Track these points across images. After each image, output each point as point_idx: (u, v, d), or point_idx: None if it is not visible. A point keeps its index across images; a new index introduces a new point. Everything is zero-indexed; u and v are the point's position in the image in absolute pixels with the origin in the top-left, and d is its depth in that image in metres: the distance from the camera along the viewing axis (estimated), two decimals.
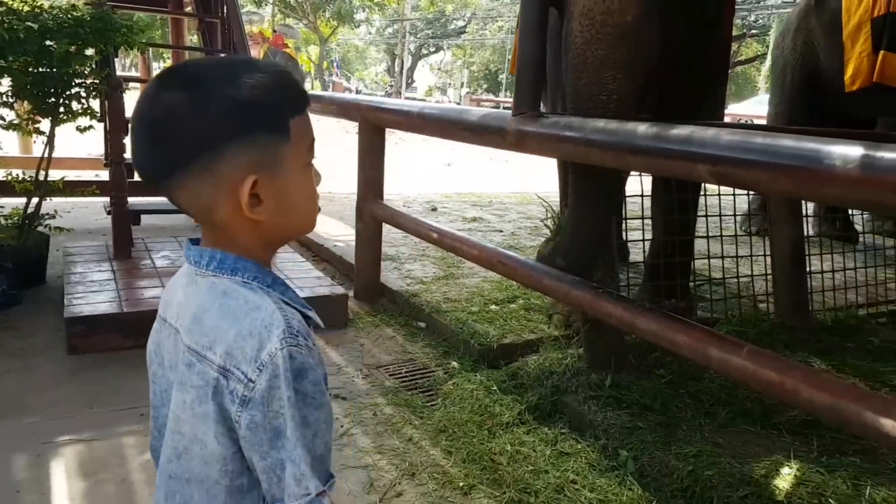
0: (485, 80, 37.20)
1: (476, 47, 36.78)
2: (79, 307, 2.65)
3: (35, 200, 3.24)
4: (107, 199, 3.56)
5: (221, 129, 0.68)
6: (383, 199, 3.36)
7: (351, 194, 3.46)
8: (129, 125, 0.72)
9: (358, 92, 31.26)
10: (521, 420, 2.20)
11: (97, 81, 3.25)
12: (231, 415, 0.68)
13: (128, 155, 3.21)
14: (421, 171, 8.49)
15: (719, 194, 2.86)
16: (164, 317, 0.79)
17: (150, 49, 7.03)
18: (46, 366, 2.47)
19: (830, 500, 1.76)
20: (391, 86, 34.23)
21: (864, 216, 4.91)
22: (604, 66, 1.93)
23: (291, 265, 3.42)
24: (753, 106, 18.12)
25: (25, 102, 3.21)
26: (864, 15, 3.52)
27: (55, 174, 3.42)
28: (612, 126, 1.76)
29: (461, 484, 1.88)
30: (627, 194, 2.69)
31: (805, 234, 2.90)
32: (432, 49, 42.90)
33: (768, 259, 2.95)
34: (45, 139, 3.21)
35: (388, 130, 3.31)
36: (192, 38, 7.07)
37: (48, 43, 2.98)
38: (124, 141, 3.28)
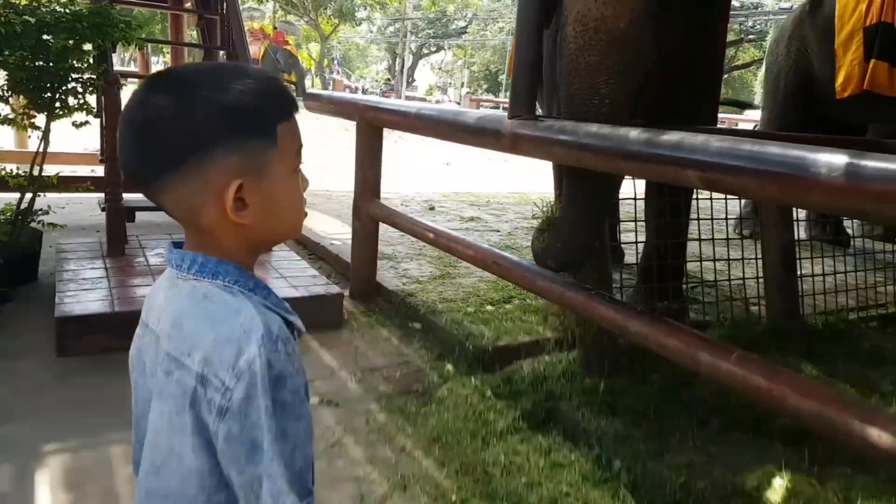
0: (485, 80, 37.19)
1: (477, 48, 36.77)
2: (70, 306, 2.61)
3: (28, 196, 3.23)
4: (101, 196, 3.55)
5: (209, 133, 0.68)
6: (380, 198, 3.36)
7: (349, 192, 3.46)
8: (118, 127, 0.72)
9: (364, 91, 31.26)
10: (516, 427, 2.19)
11: (94, 77, 3.25)
12: (209, 426, 0.66)
13: None
14: (420, 170, 8.49)
15: (711, 198, 2.87)
16: (146, 321, 0.78)
17: (149, 44, 7.01)
18: (34, 368, 2.42)
19: None
20: (387, 82, 34.18)
21: (856, 220, 4.94)
22: (597, 72, 1.94)
23: (287, 263, 3.42)
24: (751, 111, 18.13)
25: (21, 97, 3.20)
26: (857, 24, 3.56)
27: (50, 169, 3.42)
28: (605, 131, 1.77)
29: (453, 497, 1.85)
30: (622, 197, 2.69)
31: (797, 237, 2.91)
32: (433, 49, 42.86)
33: (760, 262, 2.96)
34: (39, 134, 3.21)
35: (387, 129, 3.31)
36: (191, 34, 7.06)
37: (45, 37, 2.98)
38: None
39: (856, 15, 3.60)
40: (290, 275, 3.23)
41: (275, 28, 22.69)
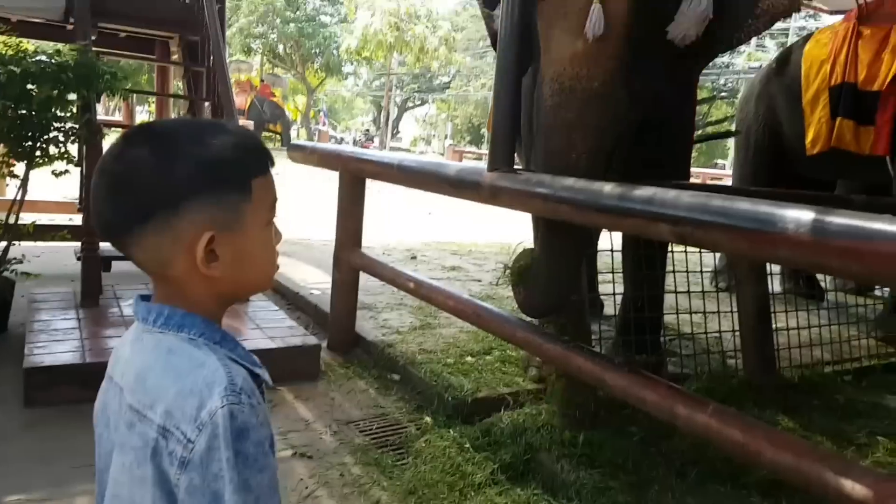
0: (468, 132, 37.93)
1: (460, 102, 37.62)
2: (39, 357, 2.57)
3: (2, 245, 3.19)
4: (78, 245, 3.52)
5: (184, 187, 0.70)
6: (361, 247, 3.37)
7: (330, 241, 3.46)
8: (92, 178, 0.73)
9: (356, 142, 31.74)
10: (494, 480, 2.15)
11: (76, 126, 3.27)
12: (170, 478, 0.66)
13: None
14: (402, 219, 8.54)
15: (685, 251, 2.92)
16: (112, 375, 0.77)
17: (135, 94, 7.09)
18: (0, 419, 2.36)
19: None
20: (365, 133, 34.72)
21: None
22: (573, 128, 2.00)
23: (264, 314, 3.39)
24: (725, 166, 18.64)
25: (1, 145, 3.20)
26: (822, 84, 3.71)
27: (27, 217, 3.39)
28: (580, 185, 1.81)
29: None
30: (600, 248, 2.73)
31: (771, 291, 2.95)
32: (418, 102, 43.82)
33: (737, 315, 2.99)
34: (18, 182, 3.20)
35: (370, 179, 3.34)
36: (177, 85, 7.16)
37: (29, 87, 3.00)
38: None
39: (821, 75, 3.76)
40: (267, 325, 3.20)
41: (262, 80, 23.09)
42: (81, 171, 3.62)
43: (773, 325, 2.94)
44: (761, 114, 4.38)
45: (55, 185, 3.48)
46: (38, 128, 3.10)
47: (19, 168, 3.22)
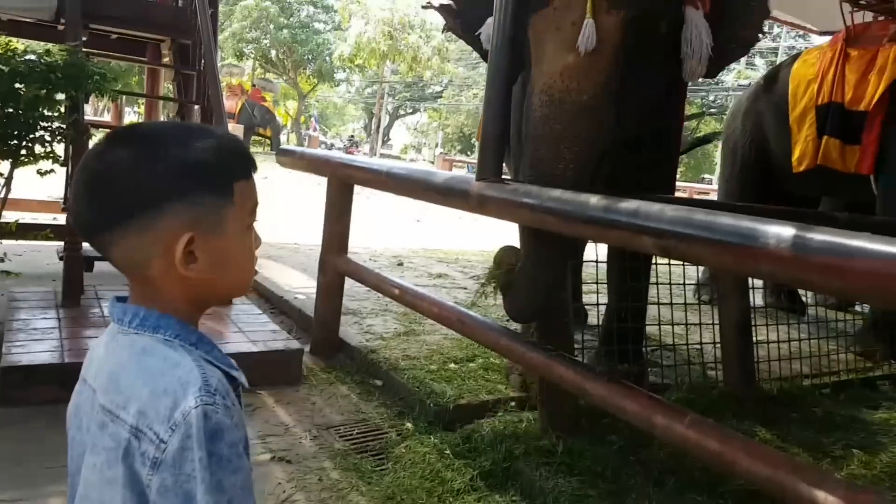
0: (458, 141, 38.05)
1: (451, 111, 37.76)
2: (17, 356, 2.54)
3: None
4: (61, 244, 3.50)
5: (166, 187, 0.70)
6: (347, 252, 3.37)
7: (317, 245, 3.46)
8: (73, 177, 0.74)
9: (341, 147, 31.71)
10: (473, 487, 2.16)
11: (63, 126, 3.25)
12: (142, 479, 0.65)
13: None
14: (390, 226, 8.55)
15: (669, 264, 2.95)
16: (85, 376, 0.77)
17: (123, 96, 7.06)
18: None
19: None
20: (350, 139, 34.71)
21: None
22: (561, 139, 2.03)
23: (247, 317, 3.38)
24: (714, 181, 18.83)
25: None
26: (809, 103, 3.78)
27: (11, 215, 3.36)
28: (567, 196, 1.83)
29: None
30: (585, 259, 2.75)
31: (753, 305, 2.98)
32: (409, 110, 43.91)
33: (718, 328, 3.02)
34: (2, 181, 3.17)
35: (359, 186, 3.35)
36: (167, 88, 7.14)
37: (17, 86, 2.99)
38: None
39: (808, 94, 3.83)
40: (250, 329, 3.19)
41: (253, 85, 23.06)
42: (67, 171, 3.60)
43: (754, 338, 2.98)
44: (748, 130, 4.44)
45: (40, 184, 3.46)
46: (25, 126, 3.08)
47: (4, 166, 3.20)
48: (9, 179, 3.15)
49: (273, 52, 28.94)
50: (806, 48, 4.62)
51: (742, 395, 2.81)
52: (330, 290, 3.35)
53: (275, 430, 2.50)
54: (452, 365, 3.10)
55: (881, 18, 3.81)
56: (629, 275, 2.74)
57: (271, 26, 27.35)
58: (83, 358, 0.79)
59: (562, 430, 2.35)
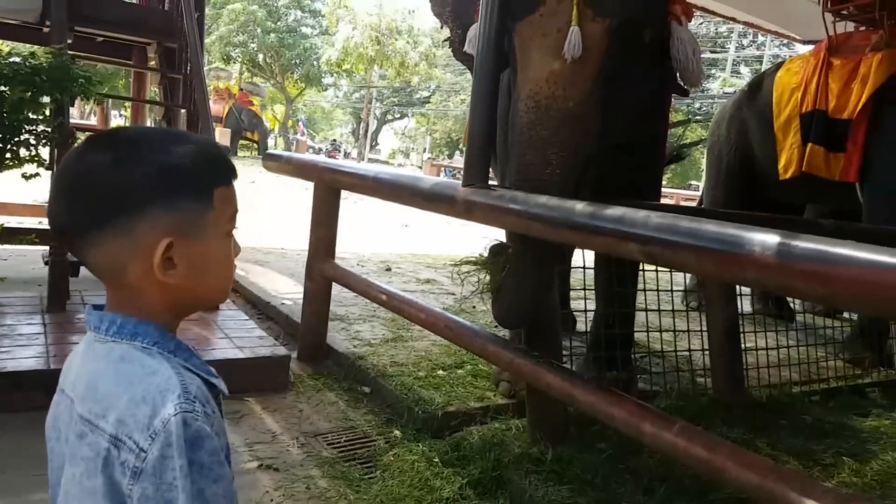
0: (446, 146, 38.10)
1: (439, 116, 37.81)
2: (2, 362, 2.51)
3: None
4: (46, 249, 3.45)
5: (144, 192, 0.69)
6: (335, 258, 3.35)
7: (305, 251, 3.44)
8: (52, 179, 0.73)
9: (325, 151, 31.58)
10: (462, 495, 2.14)
11: (49, 130, 3.21)
12: (122, 489, 0.64)
13: None
14: (378, 231, 8.52)
15: (657, 270, 2.96)
16: (63, 387, 0.76)
17: (110, 99, 7.00)
18: None
19: None
20: (333, 143, 34.61)
21: None
22: (548, 145, 2.03)
23: (233, 323, 3.35)
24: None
25: None
26: (793, 111, 3.82)
27: None
28: (553, 202, 1.83)
29: None
30: (573, 266, 2.75)
31: (741, 311, 3.00)
32: (397, 115, 43.92)
33: (707, 334, 3.03)
34: None
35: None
36: (154, 91, 7.08)
37: (2, 88, 2.95)
38: None
39: (792, 102, 3.86)
40: (236, 335, 3.16)
41: (241, 89, 22.98)
42: (52, 175, 3.56)
43: (743, 345, 2.99)
44: (733, 138, 4.48)
45: (25, 188, 3.42)
46: (9, 130, 3.05)
47: None
48: None
49: (260, 56, 28.83)
50: (790, 57, 4.66)
51: (731, 403, 2.82)
52: (317, 295, 3.33)
53: (262, 437, 2.48)
54: (441, 371, 3.09)
55: (863, 28, 3.86)
56: (617, 281, 2.74)
57: (258, 30, 27.25)
58: None
59: (550, 437, 2.34)
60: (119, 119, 20.13)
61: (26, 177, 3.20)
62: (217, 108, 19.35)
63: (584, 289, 2.92)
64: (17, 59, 3.09)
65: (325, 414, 2.75)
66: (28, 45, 4.55)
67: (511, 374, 2.73)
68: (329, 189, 3.28)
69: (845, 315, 4.76)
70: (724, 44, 28.01)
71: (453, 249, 7.32)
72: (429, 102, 38.79)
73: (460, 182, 2.29)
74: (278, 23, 28.33)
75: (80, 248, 0.72)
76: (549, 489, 2.12)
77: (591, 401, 1.85)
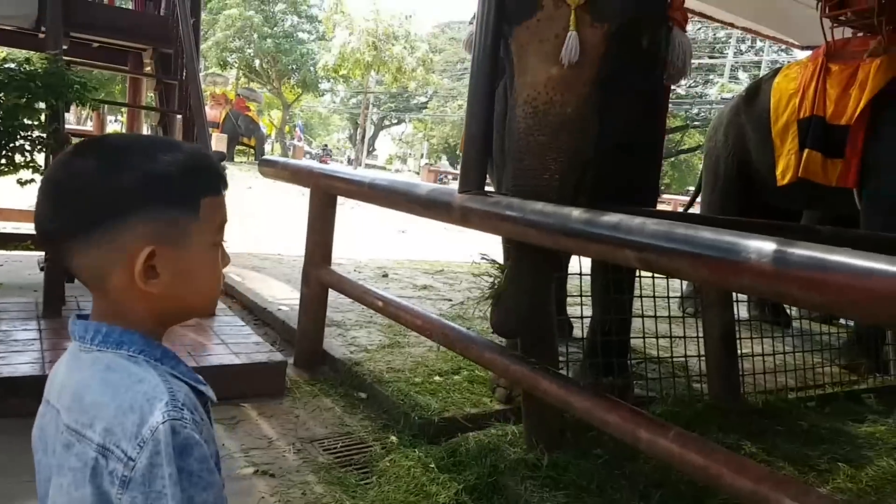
0: (444, 152, 38.15)
1: (436, 122, 37.87)
2: None
3: None
4: (42, 255, 3.44)
5: (130, 198, 0.69)
6: (331, 263, 3.35)
7: (301, 257, 3.44)
8: (39, 184, 0.72)
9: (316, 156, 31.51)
10: (458, 501, 2.13)
11: (44, 135, 3.21)
12: (111, 498, 0.64)
13: None
14: (375, 237, 8.52)
15: (653, 276, 2.96)
16: (48, 398, 0.75)
17: (105, 105, 7.00)
18: None
19: None
20: (324, 148, 34.56)
21: None
22: (546, 150, 2.04)
23: (229, 329, 3.34)
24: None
25: None
26: (791, 116, 3.83)
27: None
28: (549, 209, 1.83)
29: None
30: (570, 272, 2.75)
31: (738, 318, 3.00)
32: (394, 121, 43.99)
33: (703, 340, 3.03)
34: None
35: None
36: (150, 97, 7.08)
37: None
38: None
39: (790, 108, 3.87)
40: (232, 341, 3.15)
41: (237, 94, 23.00)
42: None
43: (739, 351, 2.99)
44: (730, 143, 4.49)
45: (20, 194, 3.40)
46: (5, 136, 3.05)
47: None
48: None
49: (257, 62, 28.86)
50: (788, 62, 4.68)
51: (727, 408, 2.81)
52: (314, 301, 3.32)
53: (258, 443, 2.47)
54: (437, 377, 3.08)
55: (861, 34, 3.87)
56: (613, 287, 2.74)
57: (255, 36, 27.29)
58: None
59: (546, 443, 2.34)
60: (115, 125, 20.12)
61: (22, 183, 3.19)
62: (214, 113, 19.37)
63: (581, 295, 2.92)
64: (13, 65, 3.09)
65: (321, 420, 2.74)
66: (23, 51, 4.54)
67: (507, 381, 2.72)
68: (325, 195, 3.28)
69: (842, 321, 4.77)
70: (722, 49, 28.15)
71: (451, 256, 7.34)
72: (426, 108, 38.86)
73: (456, 188, 2.29)
74: (275, 28, 28.37)
75: (66, 254, 0.71)
76: (545, 495, 2.12)
77: (587, 407, 1.84)
